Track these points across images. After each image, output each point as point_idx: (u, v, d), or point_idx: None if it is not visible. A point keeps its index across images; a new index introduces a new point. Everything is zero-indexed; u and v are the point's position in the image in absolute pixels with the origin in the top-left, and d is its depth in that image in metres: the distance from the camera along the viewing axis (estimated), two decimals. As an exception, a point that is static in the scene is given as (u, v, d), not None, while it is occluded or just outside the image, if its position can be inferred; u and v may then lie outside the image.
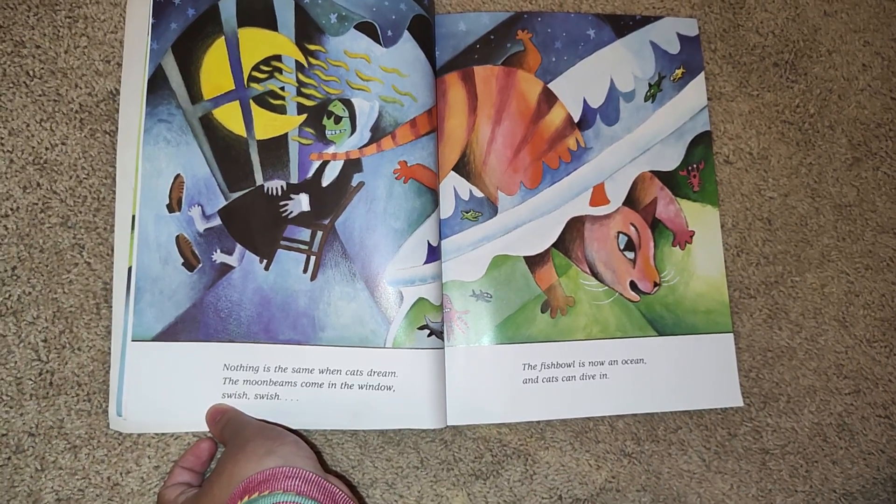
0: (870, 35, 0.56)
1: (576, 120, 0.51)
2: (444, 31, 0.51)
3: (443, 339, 0.47)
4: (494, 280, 0.49)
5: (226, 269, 0.45)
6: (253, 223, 0.46)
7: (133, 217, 0.45)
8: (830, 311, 0.52)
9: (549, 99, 0.51)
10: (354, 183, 0.46)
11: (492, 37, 0.51)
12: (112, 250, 0.45)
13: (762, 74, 0.54)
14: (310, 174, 0.46)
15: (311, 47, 0.47)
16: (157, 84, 0.46)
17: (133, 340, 0.44)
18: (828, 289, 0.53)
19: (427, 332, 0.46)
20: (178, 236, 0.45)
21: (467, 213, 0.49)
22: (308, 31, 0.47)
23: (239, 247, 0.45)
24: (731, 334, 0.50)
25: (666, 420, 0.49)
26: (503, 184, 0.50)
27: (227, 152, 0.46)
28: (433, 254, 0.47)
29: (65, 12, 0.47)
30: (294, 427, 0.45)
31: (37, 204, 0.45)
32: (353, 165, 0.46)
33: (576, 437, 0.48)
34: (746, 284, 0.52)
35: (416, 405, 0.45)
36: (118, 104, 0.46)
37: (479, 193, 0.50)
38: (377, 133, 0.47)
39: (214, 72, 0.46)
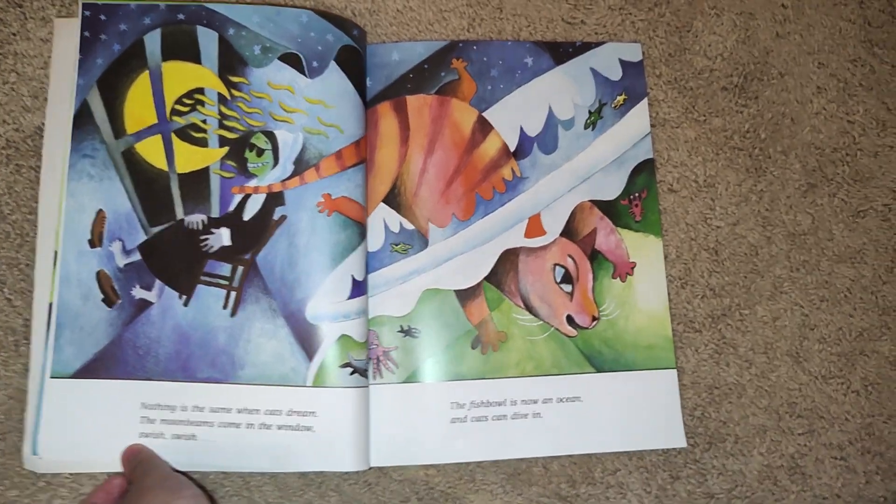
0: (824, 56, 0.54)
1: (512, 149, 0.50)
2: (377, 60, 0.50)
3: (367, 377, 0.45)
4: (424, 315, 0.47)
5: (145, 305, 0.44)
6: (173, 258, 0.45)
7: (55, 253, 0.44)
8: (783, 345, 0.50)
9: (483, 128, 0.50)
10: (276, 217, 0.45)
11: (426, 66, 0.50)
12: (33, 286, 0.45)
13: (709, 99, 0.53)
14: (231, 208, 0.46)
15: (234, 79, 0.46)
16: (82, 119, 0.46)
17: (52, 377, 0.43)
18: (780, 322, 0.50)
19: (350, 370, 0.44)
20: (98, 272, 0.44)
21: (397, 245, 0.48)
22: (231, 64, 0.46)
23: (158, 282, 0.45)
24: (675, 370, 0.48)
25: (604, 461, 0.47)
26: (434, 215, 0.49)
27: (148, 187, 0.45)
28: (358, 289, 0.45)
29: (-5, 49, 0.48)
30: (211, 469, 0.44)
31: (-39, 240, 0.45)
32: (275, 199, 0.46)
33: (507, 479, 0.46)
34: (691, 318, 0.50)
35: (336, 446, 0.43)
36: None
37: (409, 226, 0.48)
38: (301, 165, 0.46)
39: (138, 106, 0.46)
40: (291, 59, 0.47)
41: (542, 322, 0.48)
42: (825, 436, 0.49)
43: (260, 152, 0.46)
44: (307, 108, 0.46)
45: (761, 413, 0.49)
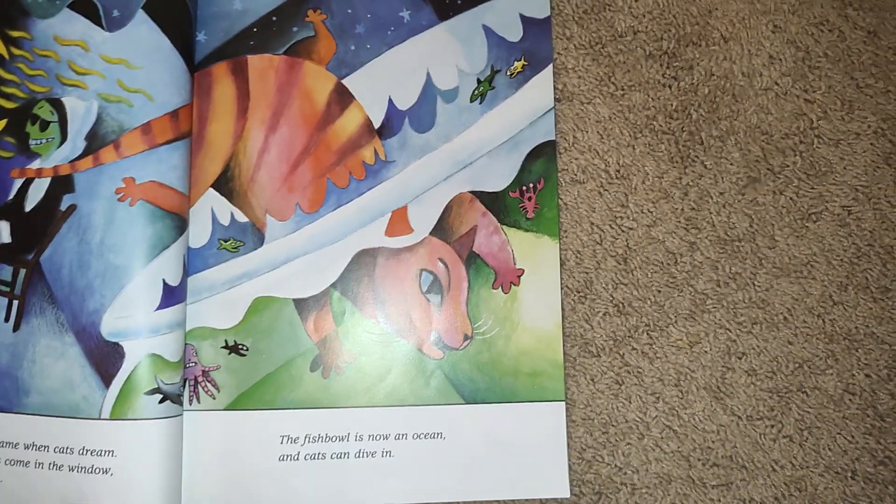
0: (782, 18, 0.43)
1: (376, 125, 0.41)
2: (214, 10, 0.41)
3: (181, 404, 0.37)
4: (254, 328, 0.39)
5: (-88, 312, 0.37)
6: (-58, 255, 0.37)
7: None
8: (700, 376, 0.41)
9: (342, 99, 0.41)
10: (64, 206, 0.37)
11: (274, 18, 0.41)
12: None
13: (631, 69, 0.43)
14: (10, 196, 0.37)
15: (14, 34, 0.37)
16: None
17: None
18: (699, 348, 0.41)
19: (159, 396, 0.36)
20: None
21: (226, 241, 0.39)
22: (10, 14, 0.37)
23: (-74, 285, 0.37)
24: (563, 403, 0.39)
25: (467, 511, 0.39)
26: (274, 206, 0.40)
27: (-88, 166, 0.37)
28: (172, 296, 0.37)
29: None
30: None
31: None
32: (62, 184, 0.37)
33: (349, 528, 0.38)
34: (589, 339, 0.41)
35: (140, 492, 0.36)
36: None
37: (242, 217, 0.40)
38: (95, 142, 0.37)
39: None
40: (85, 8, 0.37)
41: (400, 340, 0.39)
42: (745, 490, 0.40)
43: (44, 125, 0.37)
44: (104, 68, 0.37)
45: (667, 459, 0.40)
